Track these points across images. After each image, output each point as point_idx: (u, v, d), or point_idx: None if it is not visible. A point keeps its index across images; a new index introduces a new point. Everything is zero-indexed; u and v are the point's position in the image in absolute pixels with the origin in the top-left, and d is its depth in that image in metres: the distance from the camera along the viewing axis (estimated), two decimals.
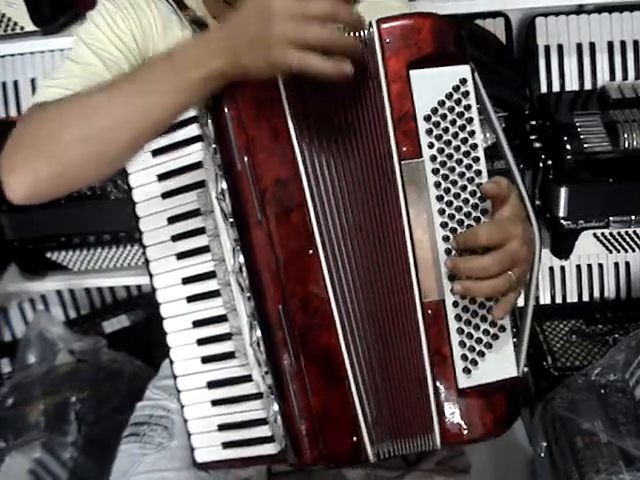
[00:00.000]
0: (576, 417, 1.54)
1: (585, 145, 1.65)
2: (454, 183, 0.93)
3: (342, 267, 0.94)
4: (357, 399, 0.94)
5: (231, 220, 0.94)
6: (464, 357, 0.94)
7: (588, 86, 1.84)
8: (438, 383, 0.94)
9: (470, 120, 0.93)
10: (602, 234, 1.79)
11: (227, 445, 1.05)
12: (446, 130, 0.93)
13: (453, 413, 0.95)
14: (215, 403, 1.05)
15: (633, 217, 1.76)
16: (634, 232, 1.79)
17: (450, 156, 0.93)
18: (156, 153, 1.02)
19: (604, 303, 1.94)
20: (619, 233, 1.80)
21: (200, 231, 1.01)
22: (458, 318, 0.94)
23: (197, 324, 1.04)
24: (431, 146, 0.93)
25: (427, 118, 0.93)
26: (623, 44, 1.83)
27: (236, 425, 1.04)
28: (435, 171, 0.93)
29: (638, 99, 1.73)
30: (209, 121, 0.94)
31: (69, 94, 0.98)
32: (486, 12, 1.86)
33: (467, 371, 0.94)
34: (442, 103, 0.93)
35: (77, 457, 1.68)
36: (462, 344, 0.94)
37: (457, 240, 0.92)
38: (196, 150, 1.00)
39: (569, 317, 1.92)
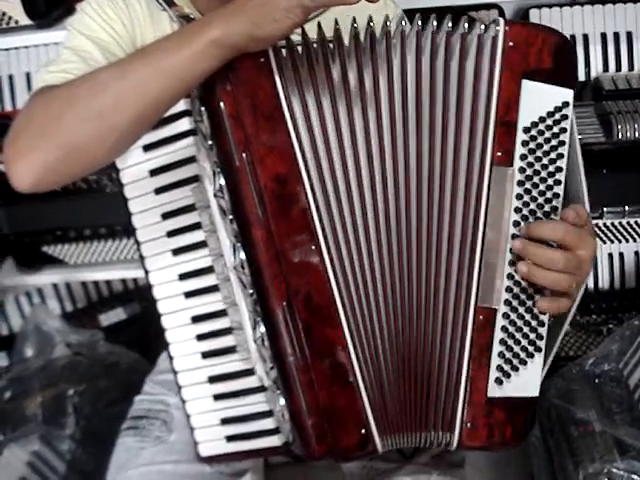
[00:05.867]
0: (570, 407, 1.54)
1: (579, 136, 1.65)
2: (534, 199, 0.94)
3: (350, 262, 0.94)
4: (364, 393, 0.94)
5: (230, 217, 0.94)
6: (499, 368, 0.96)
7: (582, 77, 1.85)
8: (470, 388, 0.96)
9: (562, 143, 0.95)
10: (596, 225, 1.80)
11: (231, 438, 1.06)
12: (539, 146, 0.94)
13: (476, 419, 0.96)
14: (217, 397, 1.05)
15: (627, 208, 1.77)
16: (627, 223, 1.80)
17: (537, 172, 0.94)
18: (147, 148, 1.01)
19: (598, 294, 1.93)
20: (613, 224, 1.81)
21: (196, 226, 1.01)
22: (504, 330, 0.95)
23: (196, 319, 1.04)
24: (523, 158, 0.94)
25: (526, 130, 0.94)
26: (616, 35, 1.83)
27: (239, 419, 1.05)
28: (520, 183, 0.94)
29: (631, 90, 1.74)
30: (204, 117, 0.93)
31: (71, 78, 0.97)
32: (480, 4, 1.86)
33: (499, 382, 0.96)
34: (542, 119, 0.94)
35: (75, 449, 1.68)
36: (501, 355, 0.96)
37: (531, 226, 0.93)
38: (188, 145, 1.00)
39: None
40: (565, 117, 0.95)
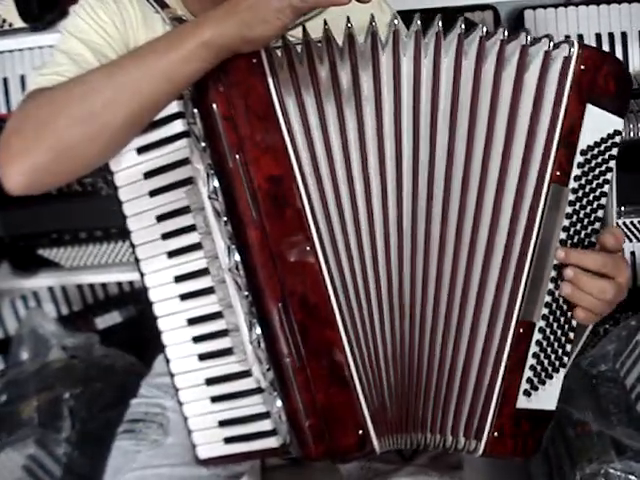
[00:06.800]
0: (567, 407, 1.54)
1: None
2: (580, 220, 0.97)
3: (349, 263, 0.94)
4: (361, 393, 0.93)
5: (224, 219, 0.94)
6: (529, 380, 0.97)
7: None
8: (502, 398, 0.97)
9: (610, 170, 0.98)
10: None
11: (229, 440, 1.05)
12: (592, 170, 0.96)
13: (504, 429, 0.97)
14: (214, 399, 1.04)
15: (623, 208, 1.77)
16: (624, 223, 1.80)
17: (586, 195, 0.97)
18: (141, 151, 1.01)
19: None
20: None
21: (190, 228, 1.01)
22: (538, 344, 0.97)
23: (192, 322, 1.03)
24: (577, 179, 0.96)
25: (583, 152, 0.96)
26: (611, 36, 1.84)
27: (237, 420, 1.04)
28: (571, 203, 0.96)
29: None
30: (197, 119, 0.93)
31: (64, 80, 0.98)
32: (475, 5, 1.86)
33: (527, 394, 0.97)
34: (597, 145, 0.96)
35: (71, 453, 1.68)
36: (532, 368, 0.97)
37: (572, 253, 0.95)
38: (182, 147, 0.99)
39: None
40: (615, 145, 0.97)
